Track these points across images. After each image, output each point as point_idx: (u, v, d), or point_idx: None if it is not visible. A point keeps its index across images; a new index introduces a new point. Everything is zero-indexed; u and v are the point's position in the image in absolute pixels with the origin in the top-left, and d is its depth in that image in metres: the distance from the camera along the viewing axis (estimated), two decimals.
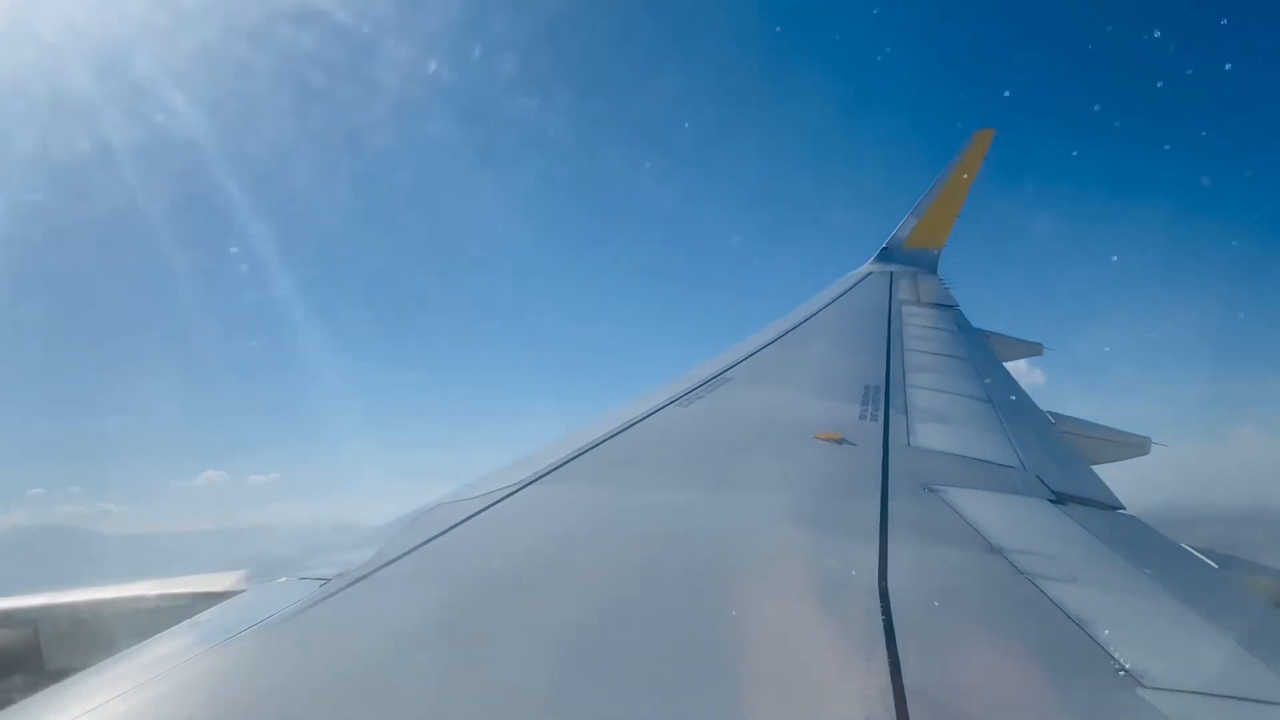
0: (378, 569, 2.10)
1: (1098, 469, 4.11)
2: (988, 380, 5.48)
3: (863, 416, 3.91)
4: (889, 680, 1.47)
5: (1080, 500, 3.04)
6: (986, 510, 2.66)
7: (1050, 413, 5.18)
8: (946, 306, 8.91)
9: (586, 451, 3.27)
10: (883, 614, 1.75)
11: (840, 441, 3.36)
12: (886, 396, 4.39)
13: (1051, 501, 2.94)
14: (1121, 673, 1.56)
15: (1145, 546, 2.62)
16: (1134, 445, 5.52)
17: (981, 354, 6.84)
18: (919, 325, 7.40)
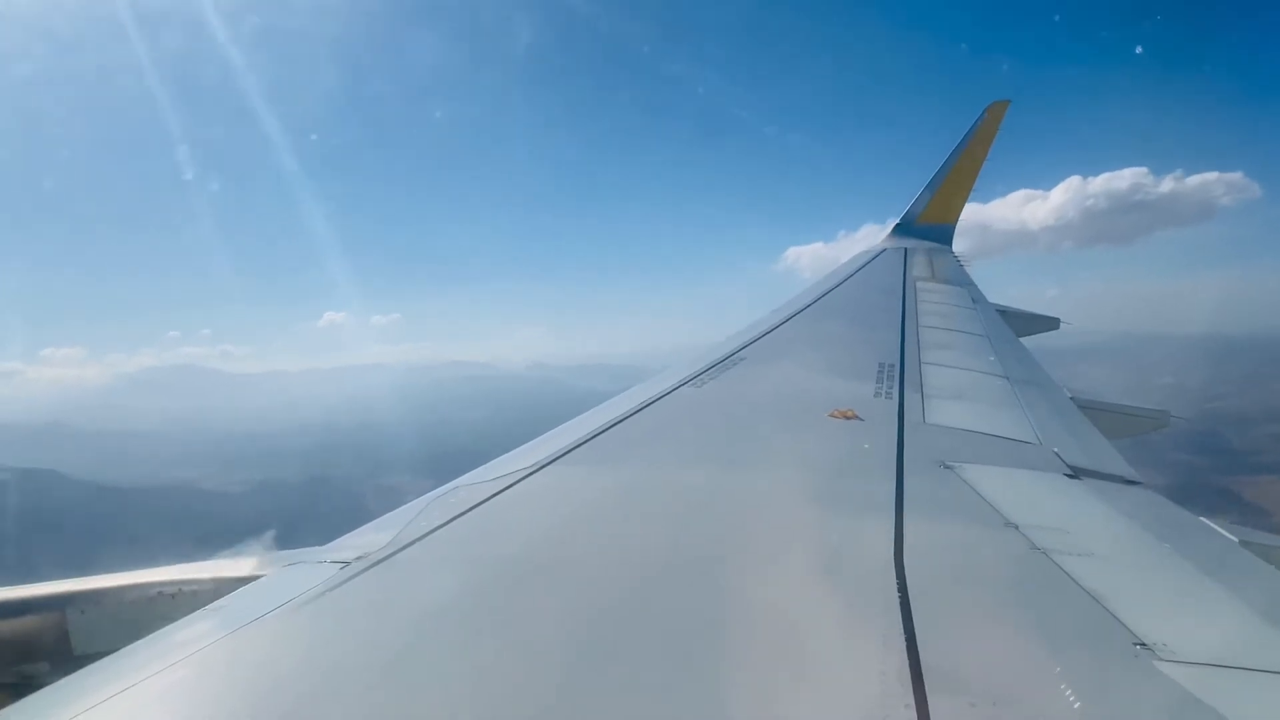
0: (397, 551, 2.13)
1: (1114, 444, 4.07)
2: (1003, 356, 5.43)
3: (877, 394, 3.89)
4: (906, 656, 1.48)
5: (1097, 475, 3.02)
6: (1002, 486, 2.65)
7: (1067, 387, 5.14)
8: (961, 282, 8.82)
9: (602, 433, 3.28)
10: (899, 590, 1.76)
11: (854, 419, 3.35)
12: (901, 374, 4.37)
13: (1068, 476, 2.91)
14: (1138, 646, 1.56)
15: (1162, 520, 2.60)
16: (1152, 420, 5.48)
17: (997, 329, 6.78)
18: (933, 301, 7.34)
